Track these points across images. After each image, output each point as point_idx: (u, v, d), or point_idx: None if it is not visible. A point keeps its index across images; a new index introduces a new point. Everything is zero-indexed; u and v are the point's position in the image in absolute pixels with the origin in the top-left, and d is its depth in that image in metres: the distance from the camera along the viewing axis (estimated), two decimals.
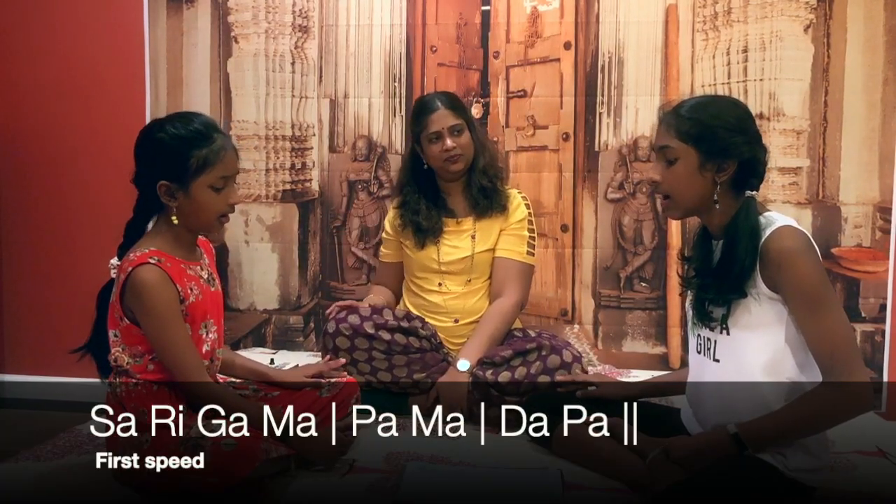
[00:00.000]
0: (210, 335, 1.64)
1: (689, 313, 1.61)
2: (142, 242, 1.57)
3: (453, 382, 2.03)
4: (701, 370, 1.58)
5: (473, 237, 2.22)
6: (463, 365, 2.04)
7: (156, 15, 2.86)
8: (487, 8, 2.77)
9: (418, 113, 2.20)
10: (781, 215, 1.50)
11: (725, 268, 1.49)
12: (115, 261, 1.60)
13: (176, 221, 1.57)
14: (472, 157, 2.21)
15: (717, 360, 1.54)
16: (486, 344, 2.09)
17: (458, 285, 2.22)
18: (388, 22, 2.80)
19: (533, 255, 2.24)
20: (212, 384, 1.60)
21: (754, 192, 1.52)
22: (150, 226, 1.63)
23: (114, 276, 1.58)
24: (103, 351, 1.59)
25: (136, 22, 2.85)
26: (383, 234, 2.36)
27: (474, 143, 2.21)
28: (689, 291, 1.63)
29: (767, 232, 1.46)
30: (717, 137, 1.48)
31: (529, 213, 2.25)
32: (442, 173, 2.22)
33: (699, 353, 1.59)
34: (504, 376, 2.01)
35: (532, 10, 2.76)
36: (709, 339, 1.55)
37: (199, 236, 1.70)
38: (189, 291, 1.57)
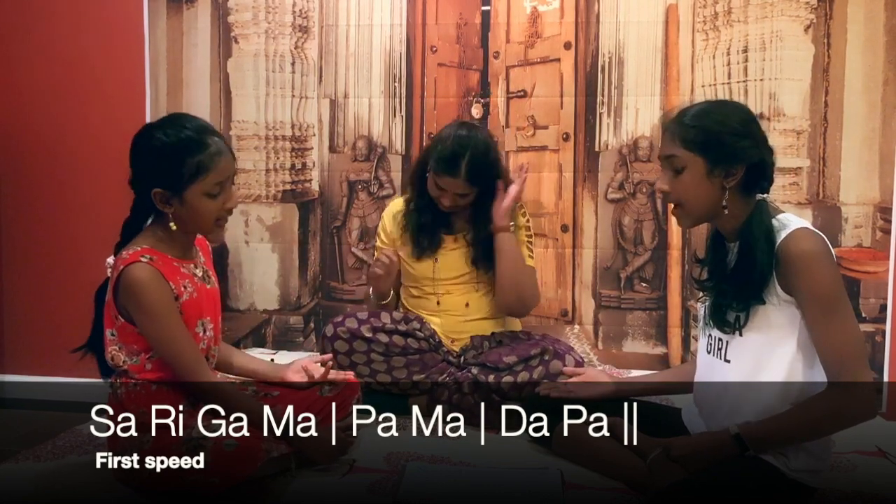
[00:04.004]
0: (207, 333, 1.63)
1: (702, 314, 1.61)
2: (136, 241, 1.57)
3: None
4: (711, 370, 1.58)
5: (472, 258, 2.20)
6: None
7: (156, 15, 2.86)
8: (487, 8, 2.77)
9: (440, 157, 2.06)
10: (796, 217, 1.50)
11: (743, 272, 1.48)
12: (111, 259, 1.59)
13: (174, 227, 1.56)
14: (465, 208, 2.16)
15: (728, 361, 1.53)
16: (515, 263, 2.12)
17: (457, 291, 2.21)
18: (388, 22, 2.80)
19: (532, 258, 2.23)
20: (214, 381, 1.59)
21: (765, 195, 1.51)
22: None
23: (110, 274, 1.58)
24: (103, 350, 1.59)
25: (136, 22, 2.85)
26: (377, 243, 2.31)
27: (491, 191, 2.12)
28: (701, 293, 1.62)
29: (783, 234, 1.45)
30: (723, 143, 1.48)
31: (527, 220, 2.24)
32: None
33: (709, 353, 1.58)
34: (506, 381, 2.01)
35: (532, 10, 2.76)
36: (720, 340, 1.55)
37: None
38: (182, 289, 1.57)
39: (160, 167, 1.53)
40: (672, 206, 1.58)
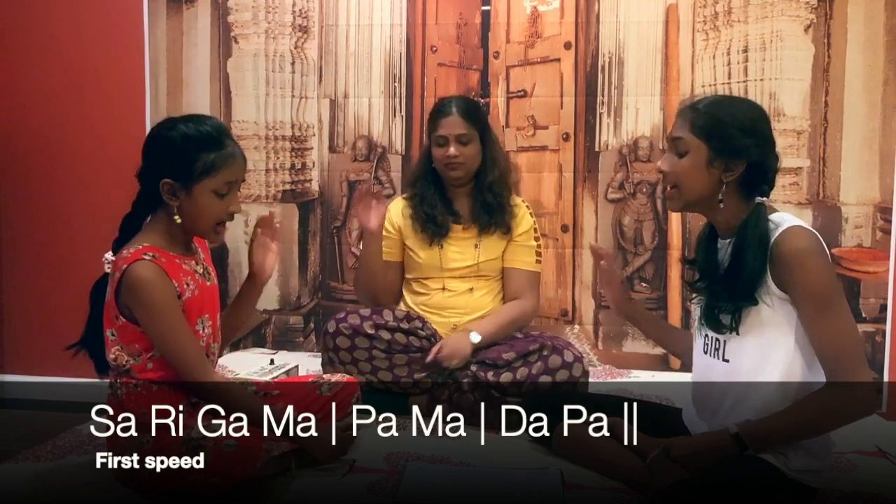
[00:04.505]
0: (206, 331, 1.63)
1: (696, 314, 1.61)
2: (136, 239, 1.56)
3: (459, 339, 2.08)
4: (708, 371, 1.58)
5: (477, 246, 2.21)
6: (475, 337, 2.08)
7: (156, 15, 2.86)
8: (487, 8, 2.78)
9: (434, 113, 2.21)
10: (790, 216, 1.50)
11: (735, 274, 1.48)
12: (109, 255, 1.59)
13: (179, 220, 1.57)
14: (475, 168, 2.20)
15: (727, 361, 1.53)
16: (499, 328, 2.13)
17: (462, 287, 2.22)
18: (388, 22, 2.80)
19: (540, 262, 2.25)
20: (217, 379, 1.59)
21: (765, 199, 1.51)
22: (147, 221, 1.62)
23: (108, 270, 1.57)
24: (99, 347, 1.58)
25: (136, 22, 2.86)
26: (383, 232, 2.30)
27: (483, 154, 2.19)
28: (694, 294, 1.62)
29: (777, 232, 1.45)
30: (729, 136, 1.49)
31: (534, 222, 2.25)
32: (443, 177, 2.22)
33: (706, 353, 1.58)
34: (505, 377, 2.02)
35: (532, 10, 2.76)
36: (717, 340, 1.55)
37: None
38: (185, 287, 1.56)
39: (174, 157, 1.54)
40: (668, 187, 1.58)
